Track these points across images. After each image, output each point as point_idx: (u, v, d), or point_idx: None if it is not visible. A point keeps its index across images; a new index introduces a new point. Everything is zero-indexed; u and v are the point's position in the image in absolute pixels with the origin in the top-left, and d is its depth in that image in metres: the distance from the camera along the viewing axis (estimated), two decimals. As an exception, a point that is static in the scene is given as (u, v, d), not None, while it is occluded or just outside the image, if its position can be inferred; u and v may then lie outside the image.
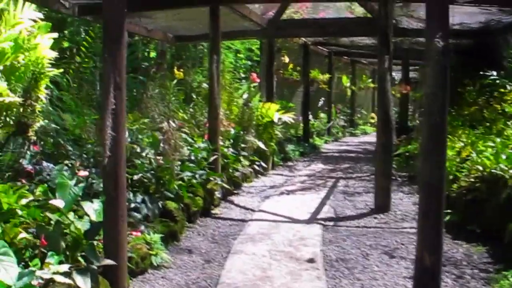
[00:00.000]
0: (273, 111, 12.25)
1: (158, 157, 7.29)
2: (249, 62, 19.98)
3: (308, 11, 13.25)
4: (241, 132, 11.25)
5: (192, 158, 8.46)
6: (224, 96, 11.21)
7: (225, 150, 9.98)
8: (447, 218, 7.38)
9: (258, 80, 12.28)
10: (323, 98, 21.53)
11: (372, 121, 28.20)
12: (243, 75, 16.78)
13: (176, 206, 6.94)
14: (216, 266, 5.93)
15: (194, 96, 13.00)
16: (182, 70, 10.39)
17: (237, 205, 8.96)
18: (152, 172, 7.07)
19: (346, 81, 23.15)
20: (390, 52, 8.41)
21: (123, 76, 4.52)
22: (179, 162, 7.74)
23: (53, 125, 7.62)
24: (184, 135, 9.30)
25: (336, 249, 6.56)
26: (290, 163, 14.15)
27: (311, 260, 6.05)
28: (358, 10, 12.46)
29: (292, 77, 16.99)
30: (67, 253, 4.51)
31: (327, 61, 20.82)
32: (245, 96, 12.45)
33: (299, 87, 18.94)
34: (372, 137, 23.80)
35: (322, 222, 7.81)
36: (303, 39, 15.90)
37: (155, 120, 9.78)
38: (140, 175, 6.93)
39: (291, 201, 9.28)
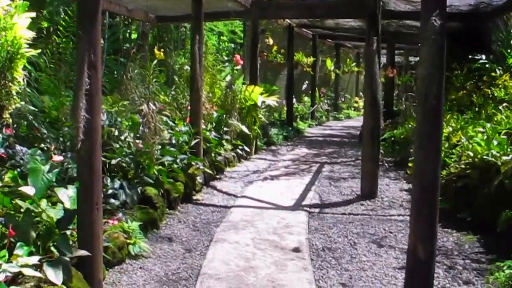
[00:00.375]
0: (256, 94, 11.96)
1: (137, 141, 6.97)
2: (232, 45, 19.66)
3: (294, -8, 12.93)
4: (224, 116, 10.96)
5: (173, 142, 8.16)
6: (206, 79, 10.89)
7: (208, 133, 9.68)
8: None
9: (241, 62, 11.94)
10: (306, 82, 21.27)
11: (356, 105, 28.04)
12: (226, 58, 16.45)
13: (156, 192, 6.64)
14: (198, 255, 5.66)
15: (176, 79, 12.66)
16: (162, 50, 10.00)
17: (219, 191, 8.68)
18: (131, 156, 6.77)
19: (330, 64, 22.86)
20: (378, 34, 8.14)
21: (98, 55, 4.21)
22: (160, 146, 7.44)
23: (31, 107, 7.28)
24: (165, 118, 9.00)
25: (323, 238, 6.32)
26: (273, 147, 13.90)
27: (296, 250, 5.81)
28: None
29: (276, 60, 16.66)
30: (38, 243, 4.22)
31: (311, 44, 20.50)
32: (228, 78, 12.13)
33: (283, 70, 18.67)
34: (355, 122, 23.71)
35: (308, 209, 7.57)
36: (288, 21, 15.55)
37: (135, 102, 9.47)
38: (119, 159, 6.63)
39: (275, 186, 9.02)
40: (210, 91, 11.30)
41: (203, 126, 9.56)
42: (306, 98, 20.79)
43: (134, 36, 15.79)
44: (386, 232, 6.58)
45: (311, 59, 19.09)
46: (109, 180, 6.22)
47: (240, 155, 11.22)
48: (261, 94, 12.18)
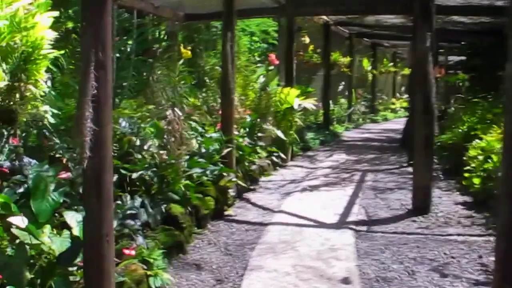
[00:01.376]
0: (292, 97, 11.11)
1: (161, 152, 6.16)
2: (265, 45, 18.82)
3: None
4: (258, 120, 10.14)
5: (203, 151, 7.35)
6: (239, 80, 10.10)
7: (240, 140, 8.86)
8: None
9: (276, 62, 11.10)
10: (343, 83, 20.32)
11: (393, 106, 27.01)
12: (258, 59, 15.62)
13: (182, 211, 5.83)
14: (230, 287, 4.84)
15: (207, 80, 11.89)
16: (189, 48, 9.22)
17: (254, 204, 7.86)
18: (155, 169, 5.97)
19: (367, 64, 21.89)
20: (432, 29, 7.23)
21: (108, 52, 3.42)
22: (187, 157, 6.63)
23: (52, 111, 6.54)
24: (193, 124, 8.22)
25: (375, 264, 5.44)
26: (310, 153, 13.03)
27: (346, 280, 4.94)
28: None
29: (312, 60, 15.78)
30: (37, 282, 3.45)
31: (347, 43, 19.58)
32: (262, 80, 11.30)
33: (318, 71, 17.77)
34: (394, 124, 22.68)
35: (354, 227, 6.69)
36: (325, 18, 14.66)
37: (162, 106, 8.72)
38: (140, 172, 5.84)
39: (315, 199, 8.17)
40: (243, 93, 10.49)
41: (236, 132, 8.76)
42: (342, 100, 19.85)
43: (163, 36, 15.06)
44: (447, 257, 5.67)
45: (347, 59, 18.18)
46: (128, 197, 5.44)
47: (276, 163, 10.39)
48: (297, 96, 11.32)
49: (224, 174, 7.21)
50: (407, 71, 27.35)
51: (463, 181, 8.26)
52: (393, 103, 27.34)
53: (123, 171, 5.84)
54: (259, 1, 10.36)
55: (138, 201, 5.48)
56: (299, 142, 12.30)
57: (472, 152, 8.68)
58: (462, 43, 16.86)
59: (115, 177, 5.76)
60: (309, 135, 14.06)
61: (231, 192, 7.43)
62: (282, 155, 10.51)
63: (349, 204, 7.87)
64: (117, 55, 12.68)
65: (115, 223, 4.91)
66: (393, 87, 28.74)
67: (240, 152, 8.43)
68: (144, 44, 13.77)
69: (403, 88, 32.00)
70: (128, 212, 5.17)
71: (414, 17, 7.51)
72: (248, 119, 9.93)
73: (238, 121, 9.65)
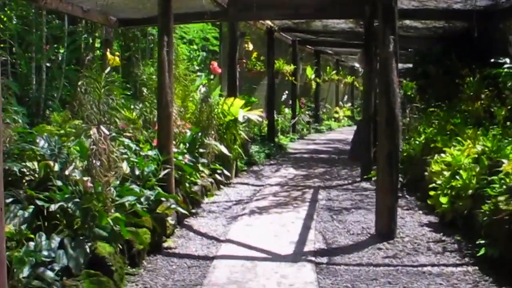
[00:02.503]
0: (237, 108, 10.22)
1: (85, 178, 5.13)
2: (204, 53, 17.89)
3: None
4: (199, 134, 9.19)
5: (137, 173, 6.36)
6: (177, 91, 9.15)
7: (180, 158, 7.89)
8: (482, 251, 5.54)
9: (219, 71, 10.15)
10: (286, 92, 19.52)
11: (336, 115, 26.48)
12: (197, 68, 14.70)
13: (111, 250, 4.81)
14: None
15: (145, 91, 10.88)
16: (117, 54, 8.21)
17: (197, 232, 6.89)
18: (77, 200, 4.95)
19: (310, 72, 21.17)
20: (395, 32, 6.46)
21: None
22: (118, 182, 5.63)
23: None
24: (126, 141, 7.21)
25: (343, 310, 4.58)
26: (256, 168, 12.14)
27: (313, 335, 4.05)
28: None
29: (255, 68, 14.89)
30: None
31: (290, 50, 18.83)
32: (203, 90, 10.35)
33: (262, 79, 16.96)
34: (338, 134, 22.11)
35: (313, 258, 5.82)
36: (269, 23, 13.80)
37: (91, 121, 7.68)
38: (60, 204, 4.81)
39: (266, 224, 7.27)
40: (183, 105, 9.54)
41: (175, 149, 7.80)
42: (286, 110, 19.03)
43: (98, 44, 13.95)
44: (426, 296, 4.87)
45: (291, 67, 17.39)
46: (43, 237, 4.42)
47: (219, 181, 9.45)
48: (242, 107, 10.44)
49: (163, 199, 6.25)
50: (350, 79, 26.90)
51: (429, 199, 7.52)
52: (337, 112, 26.80)
53: (39, 202, 4.81)
54: (199, 5, 9.38)
55: (56, 241, 4.47)
56: (243, 156, 11.40)
57: (435, 167, 7.97)
58: (410, 49, 16.33)
59: (31, 209, 4.75)
60: (254, 148, 13.17)
61: (170, 220, 6.44)
62: (226, 172, 9.58)
63: (304, 229, 7.01)
64: (47, 64, 11.63)
65: (24, 272, 3.90)
66: (336, 95, 28.20)
67: (180, 173, 7.45)
68: (77, 52, 12.70)
69: (346, 97, 31.58)
70: (45, 253, 4.15)
71: (378, 20, 6.70)
72: (189, 133, 8.99)
73: (177, 136, 8.73)
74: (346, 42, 17.33)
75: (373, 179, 10.37)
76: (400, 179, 9.07)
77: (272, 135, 15.29)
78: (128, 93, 11.38)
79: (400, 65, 19.37)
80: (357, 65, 30.46)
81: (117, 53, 8.74)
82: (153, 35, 14.35)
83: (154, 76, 9.99)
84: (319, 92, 23.32)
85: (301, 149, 16.09)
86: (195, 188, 8.03)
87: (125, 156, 6.38)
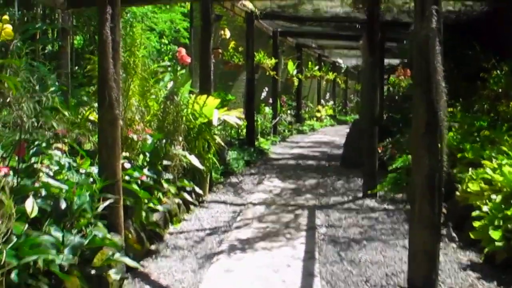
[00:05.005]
0: (211, 108, 8.20)
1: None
2: (176, 47, 15.78)
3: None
4: (163, 142, 7.17)
5: (63, 207, 4.29)
6: (134, 86, 7.07)
7: (136, 174, 5.85)
8: None
9: (188, 61, 8.00)
10: (266, 88, 17.44)
11: (318, 115, 24.56)
12: (168, 63, 12.61)
13: None
14: None
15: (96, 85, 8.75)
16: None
17: (154, 286, 4.86)
18: None
19: (292, 68, 19.11)
20: (439, 1, 4.48)
21: None
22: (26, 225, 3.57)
23: None
24: (57, 154, 5.15)
25: None
26: (234, 179, 10.11)
27: None
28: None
29: (233, 61, 12.76)
30: None
31: (271, 42, 16.81)
32: (169, 85, 8.25)
33: (240, 74, 14.92)
34: (322, 135, 20.20)
35: (327, 338, 3.84)
36: (250, 5, 11.69)
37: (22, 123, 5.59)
38: None
39: (253, 268, 5.25)
40: (142, 104, 7.45)
41: (127, 165, 5.77)
42: (267, 109, 16.95)
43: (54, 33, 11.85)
44: None
45: (273, 61, 15.34)
46: None
47: (189, 202, 7.41)
48: (218, 107, 8.41)
49: (103, 244, 4.21)
50: (332, 76, 25.02)
51: (472, 233, 5.57)
52: (319, 111, 24.83)
53: None
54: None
55: None
56: (219, 166, 9.34)
57: (472, 186, 6.05)
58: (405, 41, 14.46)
59: None
60: (231, 154, 11.13)
61: (114, 274, 4.36)
62: (198, 190, 7.56)
63: (306, 277, 5.03)
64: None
65: None
66: (318, 93, 26.21)
67: (132, 199, 5.39)
68: (32, 43, 10.59)
69: (328, 95, 29.65)
70: None
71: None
72: (150, 140, 6.95)
73: (134, 144, 6.72)
74: (336, 34, 15.45)
75: (378, 194, 8.48)
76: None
77: (252, 138, 13.25)
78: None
79: (387, 61, 17.50)
80: (340, 60, 28.74)
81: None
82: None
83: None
84: (301, 89, 21.33)
85: (285, 154, 14.07)
86: (156, 216, 5.96)
87: (46, 179, 4.32)
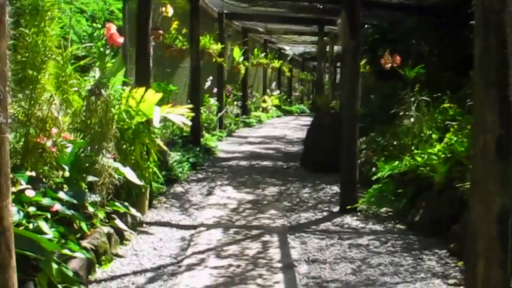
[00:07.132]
0: (151, 105, 6.42)
1: None
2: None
3: None
4: (88, 150, 5.37)
5: None
6: (48, 74, 5.22)
7: (45, 202, 4.06)
8: None
9: (120, 41, 6.03)
10: (211, 77, 15.60)
11: (264, 105, 22.97)
12: (102, 50, 10.69)
13: None
14: None
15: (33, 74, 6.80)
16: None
17: None
18: None
19: (238, 54, 17.34)
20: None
21: None
22: None
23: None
24: None
25: None
26: (179, 188, 8.35)
27: None
28: None
29: (175, 44, 10.87)
30: None
31: (216, 25, 15.03)
32: (96, 75, 6.38)
33: (182, 61, 13.08)
34: (271, 128, 18.69)
35: None
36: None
37: None
38: None
39: None
40: (61, 99, 5.58)
41: (30, 193, 3.97)
42: (212, 100, 15.13)
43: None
44: None
45: (219, 46, 13.56)
46: None
47: (122, 230, 5.61)
48: (159, 103, 6.62)
49: None
50: (277, 63, 23.45)
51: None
52: (265, 101, 23.20)
53: None
54: None
55: None
56: (159, 174, 7.48)
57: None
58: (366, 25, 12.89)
59: None
60: (174, 156, 9.32)
61: None
62: (135, 212, 5.76)
63: None
64: None
65: None
66: (264, 82, 24.56)
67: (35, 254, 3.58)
68: None
69: (274, 84, 28.04)
70: None
71: None
72: (69, 149, 5.14)
73: (48, 156, 4.94)
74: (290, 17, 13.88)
75: (358, 209, 6.92)
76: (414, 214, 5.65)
77: (197, 136, 11.44)
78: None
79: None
80: (286, 47, 27.17)
81: None
82: None
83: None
84: (247, 78, 19.63)
85: (235, 153, 12.34)
86: (75, 264, 4.15)
87: None
